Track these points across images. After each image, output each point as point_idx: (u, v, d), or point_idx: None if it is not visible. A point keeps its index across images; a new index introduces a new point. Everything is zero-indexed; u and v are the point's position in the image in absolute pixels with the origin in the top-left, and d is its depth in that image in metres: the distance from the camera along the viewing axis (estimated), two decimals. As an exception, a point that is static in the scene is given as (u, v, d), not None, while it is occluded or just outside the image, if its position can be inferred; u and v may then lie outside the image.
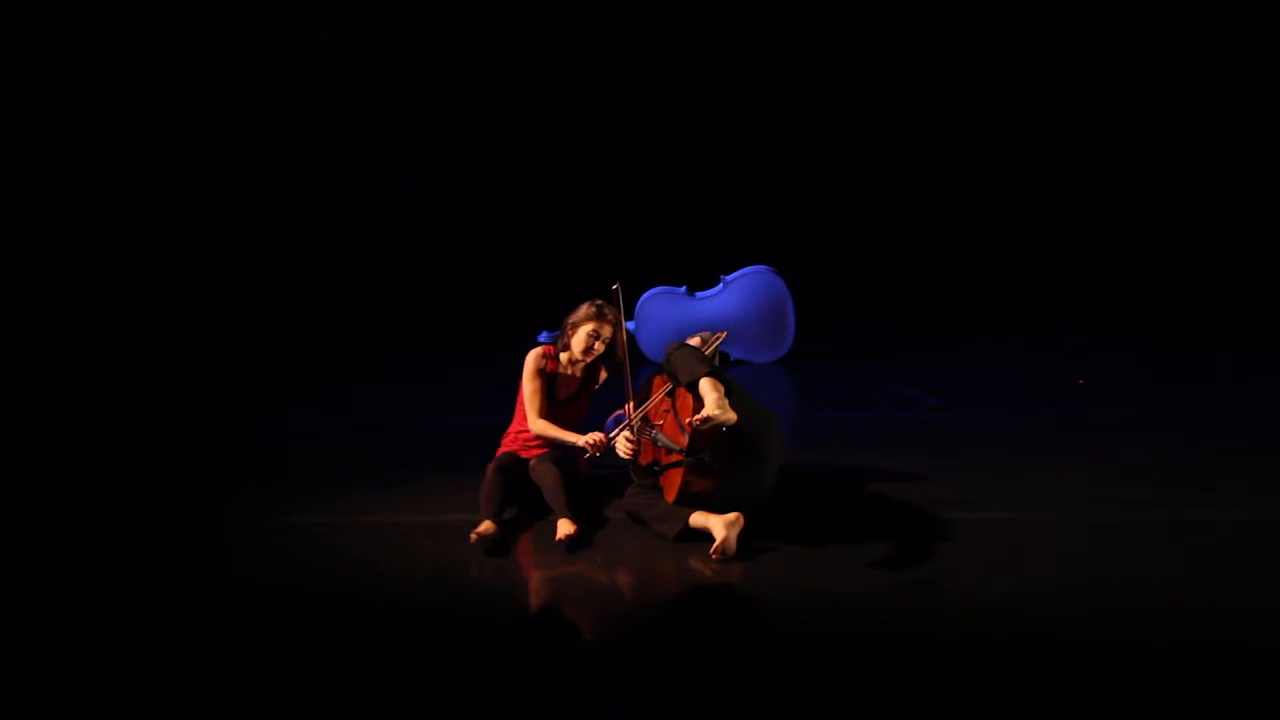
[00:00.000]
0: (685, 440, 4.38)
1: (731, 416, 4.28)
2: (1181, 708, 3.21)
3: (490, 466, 4.86)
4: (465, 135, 11.07)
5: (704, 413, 4.26)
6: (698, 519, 4.41)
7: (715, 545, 4.25)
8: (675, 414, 4.58)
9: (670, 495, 4.51)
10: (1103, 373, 7.70)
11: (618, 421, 4.98)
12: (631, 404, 4.82)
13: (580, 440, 4.86)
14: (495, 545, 4.53)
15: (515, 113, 11.04)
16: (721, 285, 8.23)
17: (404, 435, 6.36)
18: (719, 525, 4.29)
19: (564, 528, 4.52)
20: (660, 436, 4.58)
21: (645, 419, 4.76)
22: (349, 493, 5.06)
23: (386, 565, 4.39)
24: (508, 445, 5.10)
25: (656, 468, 4.66)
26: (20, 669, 3.58)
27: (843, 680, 3.41)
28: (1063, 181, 11.00)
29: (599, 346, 5.02)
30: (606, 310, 5.02)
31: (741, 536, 4.29)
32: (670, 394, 4.67)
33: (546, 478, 4.79)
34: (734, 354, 8.14)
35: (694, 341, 4.88)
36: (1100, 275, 10.65)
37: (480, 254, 11.04)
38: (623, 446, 4.73)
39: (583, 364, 5.09)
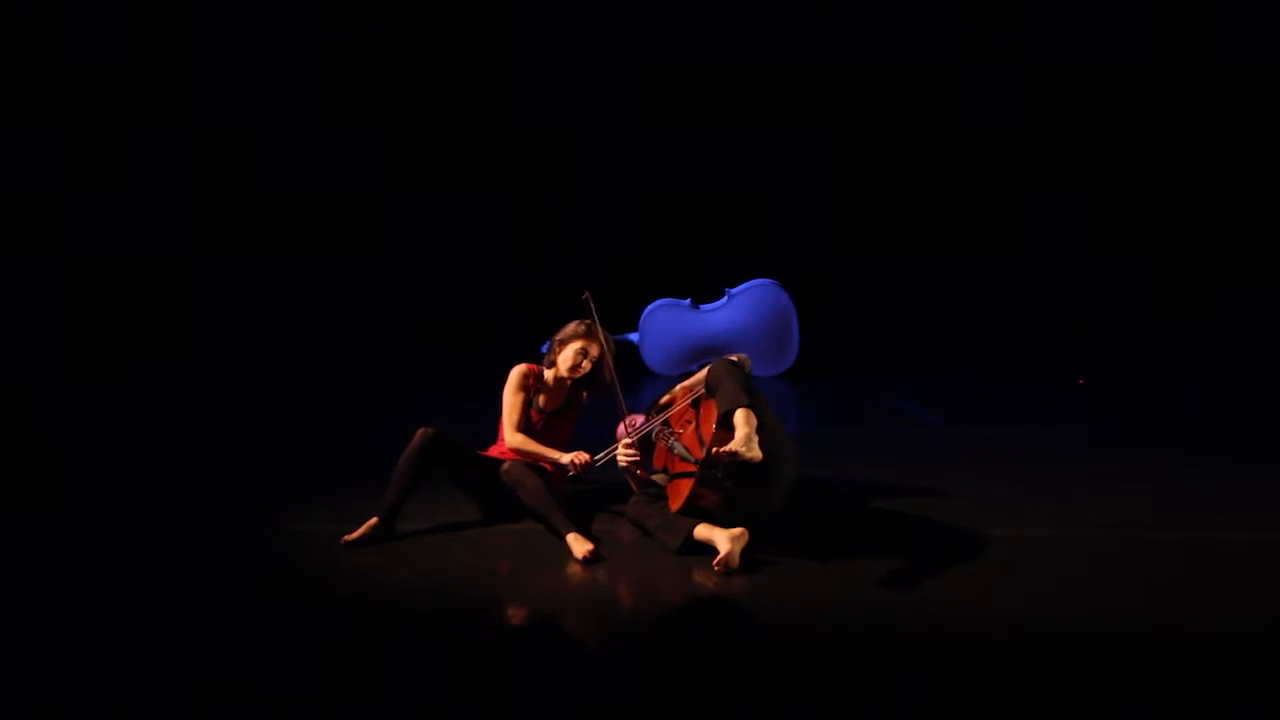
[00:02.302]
0: (702, 452, 4.39)
1: (757, 455, 4.27)
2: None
3: (412, 445, 4.73)
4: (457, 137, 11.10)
5: (731, 446, 4.26)
6: (702, 531, 4.41)
7: (719, 558, 4.26)
8: (697, 425, 4.58)
9: (675, 504, 4.51)
10: (1104, 390, 7.72)
11: (630, 427, 5.00)
12: (628, 418, 4.82)
13: (565, 458, 4.83)
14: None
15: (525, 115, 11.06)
16: (726, 298, 8.25)
17: (403, 442, 6.34)
18: (723, 539, 4.29)
19: (581, 545, 4.46)
20: (677, 444, 4.57)
21: (666, 424, 4.77)
22: (349, 501, 5.05)
23: (385, 574, 4.39)
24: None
25: (667, 474, 4.66)
26: (19, 675, 3.57)
27: (843, 695, 3.41)
28: (1064, 189, 11.00)
29: (586, 365, 4.99)
30: (595, 329, 5.02)
31: (744, 551, 4.30)
32: (695, 404, 4.68)
33: (528, 482, 4.67)
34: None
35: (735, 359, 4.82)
36: (1101, 283, 10.67)
37: (482, 259, 11.04)
38: (623, 456, 4.73)
39: (568, 382, 5.08)
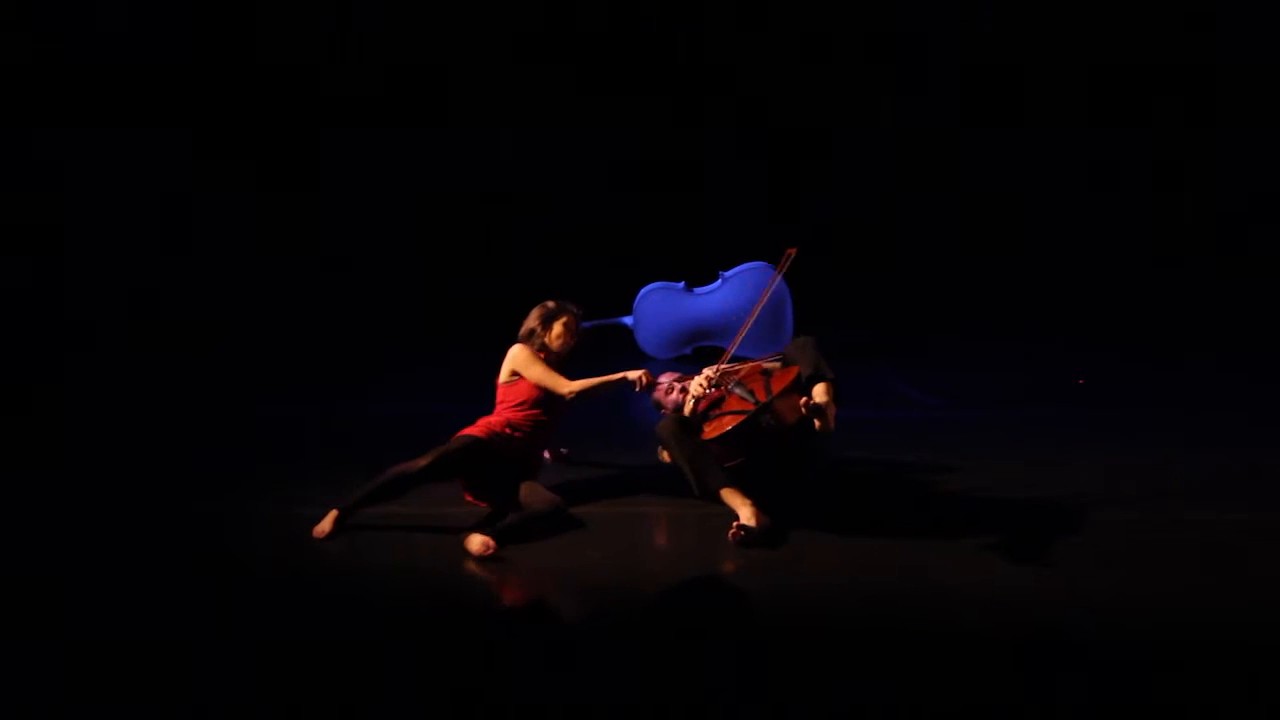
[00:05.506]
0: (765, 396, 4.45)
1: (831, 426, 4.40)
2: (1185, 705, 3.20)
3: (418, 465, 4.62)
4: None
5: (816, 399, 4.37)
6: (729, 495, 4.40)
7: (736, 524, 4.27)
8: (767, 387, 4.57)
9: (711, 433, 4.50)
10: (1104, 372, 7.74)
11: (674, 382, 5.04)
12: (664, 375, 4.88)
13: (632, 375, 4.89)
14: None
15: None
16: (720, 281, 8.22)
17: (402, 425, 6.29)
18: (747, 509, 4.32)
19: (479, 542, 4.36)
20: (740, 387, 4.60)
21: (735, 378, 4.76)
22: (351, 483, 4.97)
23: (382, 558, 4.36)
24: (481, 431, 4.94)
25: (712, 412, 4.63)
26: (18, 662, 3.53)
27: (844, 677, 3.39)
28: (1064, 179, 11.01)
29: (573, 339, 5.05)
30: (566, 302, 5.09)
31: (763, 529, 4.29)
32: (766, 373, 4.69)
33: (537, 497, 4.65)
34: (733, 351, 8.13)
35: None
36: (1100, 271, 10.69)
37: (478, 248, 10.96)
38: (696, 387, 4.71)
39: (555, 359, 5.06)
